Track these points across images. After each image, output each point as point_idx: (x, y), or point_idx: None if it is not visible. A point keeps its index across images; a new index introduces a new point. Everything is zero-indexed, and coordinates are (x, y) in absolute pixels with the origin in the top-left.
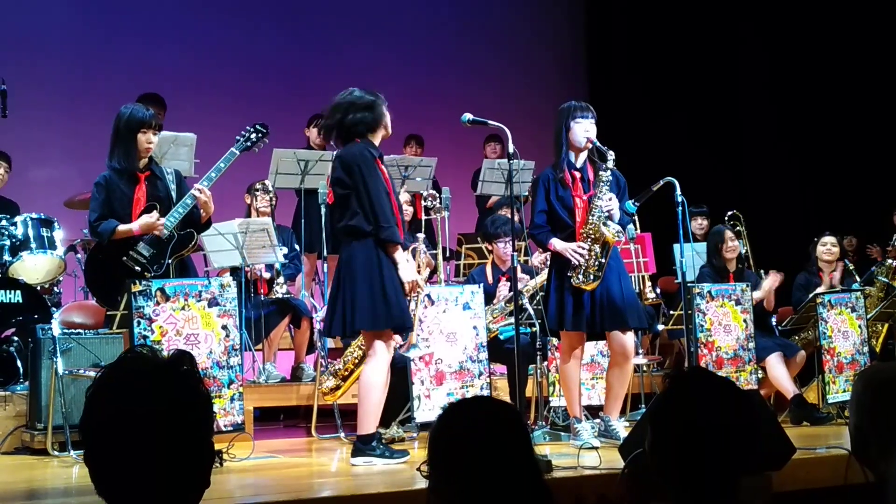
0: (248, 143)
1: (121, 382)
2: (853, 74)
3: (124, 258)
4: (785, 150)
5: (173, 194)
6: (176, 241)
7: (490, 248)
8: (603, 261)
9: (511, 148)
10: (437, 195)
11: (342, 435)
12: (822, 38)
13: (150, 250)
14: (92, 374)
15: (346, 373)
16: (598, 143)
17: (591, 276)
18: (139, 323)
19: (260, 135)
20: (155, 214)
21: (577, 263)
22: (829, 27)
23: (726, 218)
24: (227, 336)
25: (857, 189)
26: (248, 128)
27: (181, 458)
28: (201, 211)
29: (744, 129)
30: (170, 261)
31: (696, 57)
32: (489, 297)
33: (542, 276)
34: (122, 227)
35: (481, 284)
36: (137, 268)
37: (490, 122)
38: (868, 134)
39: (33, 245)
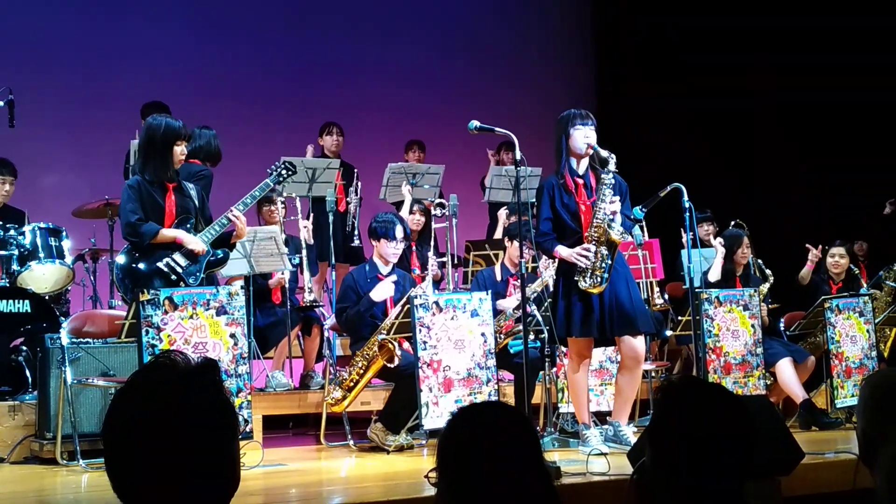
0: (280, 178)
1: (144, 388)
2: (864, 78)
3: (160, 264)
4: (795, 157)
5: (199, 209)
6: (211, 257)
7: (508, 244)
8: (610, 262)
9: (518, 154)
10: (444, 203)
11: (351, 442)
12: (832, 44)
13: (187, 261)
14: (101, 383)
15: (352, 383)
16: (599, 149)
17: (599, 279)
18: (147, 332)
19: (290, 172)
20: (200, 241)
21: (583, 266)
22: (839, 33)
23: (732, 225)
24: (236, 344)
25: (868, 193)
26: (277, 163)
27: (203, 466)
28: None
29: (753, 135)
30: (203, 275)
31: (704, 64)
32: (497, 296)
33: (544, 278)
34: (166, 232)
35: (490, 291)
36: (174, 276)
37: (497, 129)
38: (879, 138)
39: (41, 254)
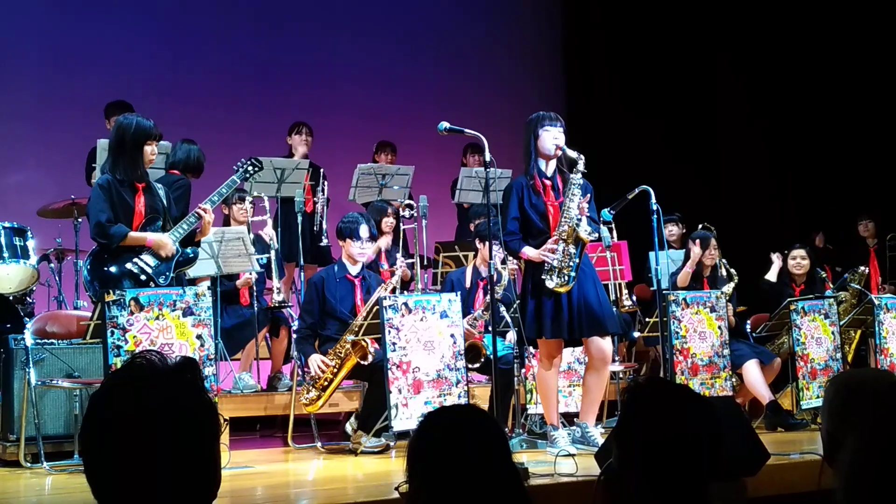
0: (247, 175)
1: (122, 390)
2: (827, 83)
3: (129, 265)
4: (760, 159)
5: (167, 208)
6: (180, 256)
7: (480, 245)
8: (577, 261)
9: (488, 156)
10: (413, 204)
11: (319, 444)
12: (796, 48)
13: (156, 261)
14: (65, 384)
15: (326, 382)
16: (568, 150)
17: (566, 277)
18: (112, 333)
19: (256, 168)
20: (168, 238)
21: (550, 264)
22: (804, 39)
23: (700, 227)
24: (202, 346)
25: (830, 197)
26: (244, 160)
27: (185, 467)
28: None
29: (719, 138)
30: (173, 274)
31: (672, 66)
32: (464, 301)
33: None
34: (134, 234)
35: (458, 293)
36: (143, 277)
37: (466, 130)
38: (841, 142)
39: (6, 254)
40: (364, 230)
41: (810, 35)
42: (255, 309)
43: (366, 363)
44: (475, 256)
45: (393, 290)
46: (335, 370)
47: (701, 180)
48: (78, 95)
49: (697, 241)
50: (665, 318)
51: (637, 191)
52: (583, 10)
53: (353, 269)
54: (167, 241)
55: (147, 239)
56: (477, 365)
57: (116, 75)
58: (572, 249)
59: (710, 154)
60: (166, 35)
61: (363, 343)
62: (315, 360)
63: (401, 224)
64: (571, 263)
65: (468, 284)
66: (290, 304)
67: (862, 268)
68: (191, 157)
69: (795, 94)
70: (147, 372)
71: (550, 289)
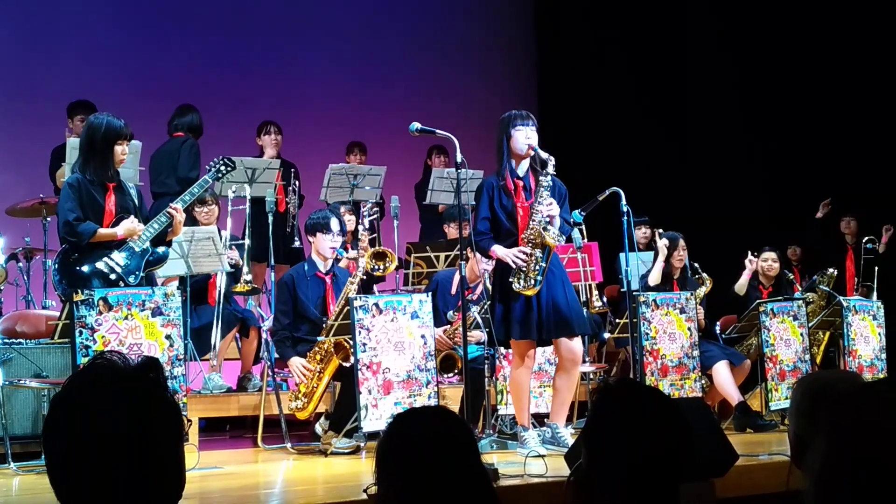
0: (220, 175)
1: (83, 392)
2: (800, 86)
3: (98, 264)
4: (732, 161)
5: (138, 208)
6: (150, 256)
7: (471, 255)
8: (544, 265)
9: (459, 157)
10: (380, 205)
11: (289, 445)
12: (772, 52)
13: (126, 261)
14: (34, 384)
15: (311, 390)
16: (539, 151)
17: (532, 281)
18: (81, 333)
19: (229, 168)
20: (134, 219)
21: (517, 268)
22: (778, 41)
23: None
24: (171, 346)
25: (804, 198)
26: (217, 159)
27: (149, 470)
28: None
29: (690, 140)
30: (143, 274)
31: (645, 65)
32: (448, 304)
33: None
34: (103, 231)
35: (429, 294)
36: (113, 276)
37: (438, 131)
38: (814, 142)
39: None
40: (335, 223)
41: (789, 25)
42: (220, 309)
43: (348, 365)
44: (466, 265)
45: (362, 281)
46: (319, 374)
47: (673, 182)
48: (46, 94)
49: (665, 238)
50: (635, 320)
51: (608, 192)
52: (555, 10)
53: (324, 266)
54: (136, 226)
55: (118, 233)
56: (451, 374)
57: (84, 74)
58: (539, 253)
59: (683, 156)
60: (133, 34)
61: (346, 344)
62: (297, 366)
63: (359, 222)
64: (538, 267)
65: (454, 290)
66: (261, 290)
67: (831, 270)
68: (195, 121)
69: (773, 94)
70: (108, 373)
71: (517, 291)
